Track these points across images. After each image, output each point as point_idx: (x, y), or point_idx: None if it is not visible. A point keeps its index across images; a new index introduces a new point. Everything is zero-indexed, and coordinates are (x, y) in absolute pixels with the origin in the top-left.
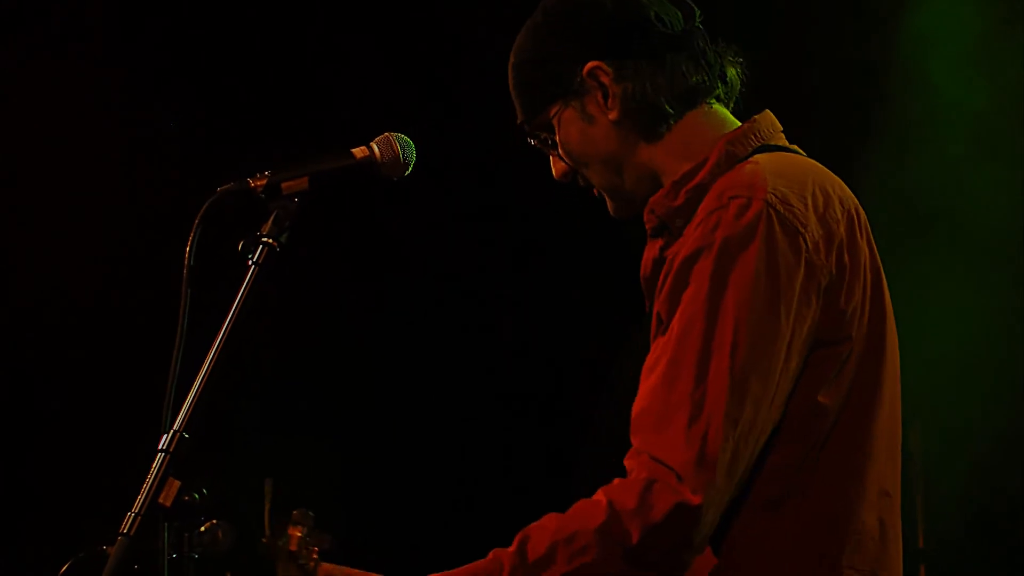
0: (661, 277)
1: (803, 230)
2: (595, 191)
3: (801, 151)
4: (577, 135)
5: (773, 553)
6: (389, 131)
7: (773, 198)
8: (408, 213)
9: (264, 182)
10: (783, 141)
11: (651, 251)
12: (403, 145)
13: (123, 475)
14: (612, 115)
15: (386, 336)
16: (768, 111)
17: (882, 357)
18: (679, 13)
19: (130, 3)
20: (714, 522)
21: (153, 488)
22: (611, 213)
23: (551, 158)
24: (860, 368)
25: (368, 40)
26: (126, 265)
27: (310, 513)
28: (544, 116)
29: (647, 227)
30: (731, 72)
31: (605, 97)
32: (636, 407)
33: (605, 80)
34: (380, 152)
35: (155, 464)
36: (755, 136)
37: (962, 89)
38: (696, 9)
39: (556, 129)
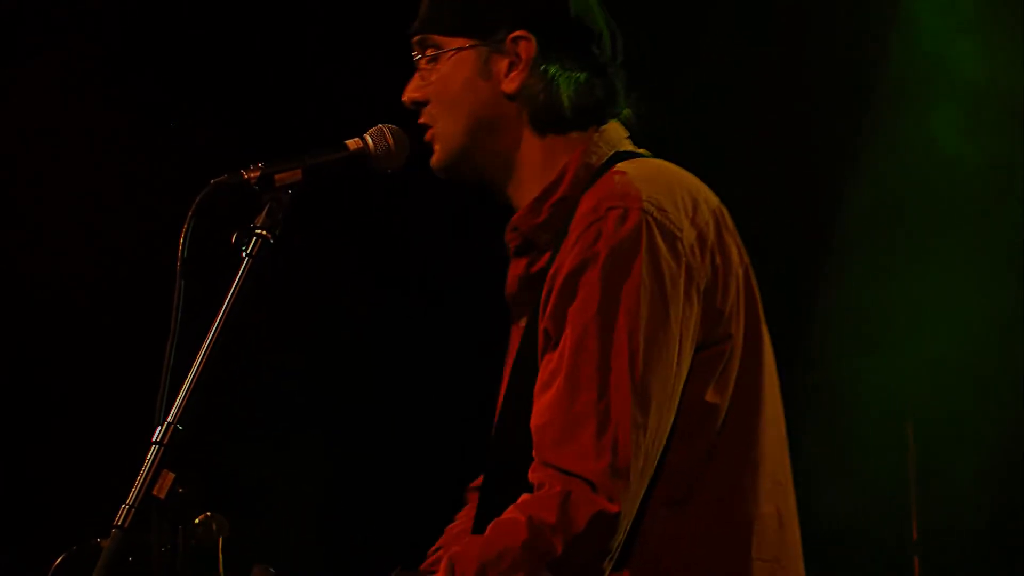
0: (543, 294)
1: (680, 235)
2: (428, 134)
3: (649, 154)
4: (463, 79)
5: (684, 551)
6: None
7: (649, 206)
8: (407, 207)
9: (257, 174)
10: (630, 146)
11: (515, 269)
12: (397, 137)
13: (117, 468)
14: (509, 87)
15: (383, 330)
16: (613, 121)
17: (760, 352)
18: (612, 47)
19: (130, 3)
20: (627, 528)
21: (147, 480)
22: (431, 163)
23: (413, 79)
24: (742, 365)
25: (368, 40)
26: (123, 263)
27: (271, 569)
28: (446, 41)
29: (510, 246)
30: (626, 113)
31: (511, 68)
32: (536, 422)
33: (523, 55)
34: (374, 144)
35: (149, 456)
36: (605, 144)
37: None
38: (620, 53)
39: (445, 60)
